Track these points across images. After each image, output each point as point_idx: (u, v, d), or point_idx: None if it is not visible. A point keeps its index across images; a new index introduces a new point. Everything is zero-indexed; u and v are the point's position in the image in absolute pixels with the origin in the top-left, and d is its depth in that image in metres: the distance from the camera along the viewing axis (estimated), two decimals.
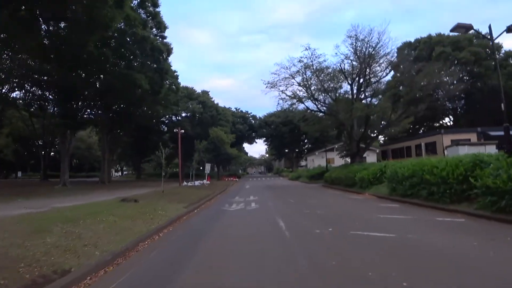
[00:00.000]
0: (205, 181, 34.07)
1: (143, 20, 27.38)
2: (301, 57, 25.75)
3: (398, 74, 26.86)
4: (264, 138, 73.65)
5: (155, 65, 30.31)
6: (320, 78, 26.43)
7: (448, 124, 47.40)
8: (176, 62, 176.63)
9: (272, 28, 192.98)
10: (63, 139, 30.89)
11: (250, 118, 73.62)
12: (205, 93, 54.80)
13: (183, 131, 29.70)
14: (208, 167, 29.47)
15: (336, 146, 45.80)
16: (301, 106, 29.87)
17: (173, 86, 43.62)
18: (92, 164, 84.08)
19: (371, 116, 22.63)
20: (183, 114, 54.46)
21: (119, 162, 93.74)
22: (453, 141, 20.44)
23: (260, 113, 78.09)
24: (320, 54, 25.75)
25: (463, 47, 39.41)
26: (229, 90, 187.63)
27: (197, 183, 27.58)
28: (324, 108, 28.91)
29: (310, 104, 29.18)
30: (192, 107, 49.60)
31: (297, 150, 68.95)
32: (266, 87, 27.55)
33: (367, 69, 25.58)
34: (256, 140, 79.03)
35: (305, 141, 68.48)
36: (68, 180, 31.49)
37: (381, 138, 46.27)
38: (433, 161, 11.93)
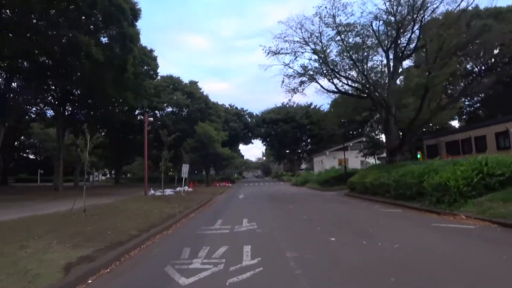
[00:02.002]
0: (185, 188, 25.96)
1: None
2: (319, 7, 17.81)
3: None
4: (262, 138, 65.25)
5: (113, 32, 22.29)
6: (345, 42, 18.52)
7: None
8: (171, 66, 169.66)
9: (268, 32, 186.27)
10: None
11: (246, 115, 65.45)
12: (193, 83, 46.61)
13: (151, 119, 21.71)
14: (185, 169, 21.38)
15: (351, 144, 37.93)
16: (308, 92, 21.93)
17: (151, 72, 35.80)
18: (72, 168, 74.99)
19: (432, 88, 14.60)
20: (169, 109, 46.30)
21: (105, 165, 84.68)
22: None
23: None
24: (347, 3, 17.84)
25: (507, 20, 31.84)
26: (225, 93, 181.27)
27: (169, 191, 19.45)
28: (348, 86, 21.01)
29: (325, 82, 21.39)
30: (177, 98, 41.35)
31: (299, 151, 60.76)
32: (268, 54, 19.68)
33: (412, 28, 17.83)
34: (253, 141, 70.91)
35: (308, 140, 60.42)
36: None
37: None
38: None
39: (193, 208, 13.97)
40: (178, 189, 25.36)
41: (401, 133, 19.61)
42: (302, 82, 21.15)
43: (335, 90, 21.50)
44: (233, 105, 64.86)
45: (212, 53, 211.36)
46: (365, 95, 19.95)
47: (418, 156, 43.14)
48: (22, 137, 55.43)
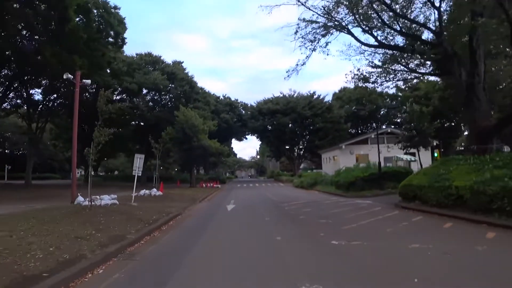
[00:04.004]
0: (153, 191, 18.30)
1: None
2: None
3: None
4: (257, 133, 57.12)
5: None
6: None
7: None
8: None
9: (264, 32, 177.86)
10: None
11: (240, 107, 57.60)
12: (176, 63, 38.74)
13: (89, 81, 14.03)
14: (139, 162, 13.62)
15: (372, 136, 30.47)
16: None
17: (118, 39, 28.04)
18: (52, 164, 65.98)
19: None
20: (148, 97, 38.40)
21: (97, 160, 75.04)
22: None
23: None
24: None
25: None
26: (222, 93, 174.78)
27: (108, 199, 11.62)
28: (400, 36, 13.60)
29: (357, 32, 14.16)
30: (154, 78, 33.41)
31: (300, 147, 52.97)
32: None
33: None
34: (247, 136, 62.94)
35: (308, 136, 52.60)
36: None
37: None
38: None
39: (122, 244, 6.33)
40: (142, 192, 17.74)
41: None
42: (325, 29, 13.71)
43: (376, 44, 14.02)
44: (226, 95, 56.99)
45: (209, 53, 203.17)
46: (430, 47, 12.50)
47: (435, 154, 35.43)
48: None
